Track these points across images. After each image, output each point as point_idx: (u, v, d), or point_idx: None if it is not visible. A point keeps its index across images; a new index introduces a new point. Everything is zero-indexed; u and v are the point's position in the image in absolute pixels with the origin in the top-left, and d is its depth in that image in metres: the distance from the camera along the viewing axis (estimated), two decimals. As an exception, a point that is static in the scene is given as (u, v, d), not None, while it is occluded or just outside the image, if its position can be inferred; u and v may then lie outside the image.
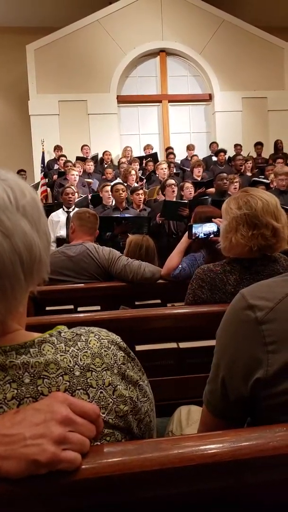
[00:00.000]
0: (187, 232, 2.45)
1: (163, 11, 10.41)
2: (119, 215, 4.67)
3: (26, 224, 0.63)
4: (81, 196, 6.04)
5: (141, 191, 5.48)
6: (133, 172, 6.67)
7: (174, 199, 5.15)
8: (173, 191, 5.14)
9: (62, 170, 7.92)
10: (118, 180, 6.79)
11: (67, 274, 2.53)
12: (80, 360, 0.68)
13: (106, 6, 10.36)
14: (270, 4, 11.14)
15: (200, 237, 2.42)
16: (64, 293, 2.38)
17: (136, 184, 6.56)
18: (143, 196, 5.50)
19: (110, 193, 5.52)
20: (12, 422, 0.57)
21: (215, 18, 10.58)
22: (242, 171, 7.39)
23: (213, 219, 2.38)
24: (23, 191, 0.65)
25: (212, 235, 2.40)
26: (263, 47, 10.81)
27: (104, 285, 2.49)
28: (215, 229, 2.38)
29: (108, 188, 5.62)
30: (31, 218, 0.64)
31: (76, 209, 4.81)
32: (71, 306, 2.30)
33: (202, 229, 2.41)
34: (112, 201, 5.52)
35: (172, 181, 5.23)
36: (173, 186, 5.14)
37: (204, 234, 2.41)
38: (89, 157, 8.88)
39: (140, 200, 5.41)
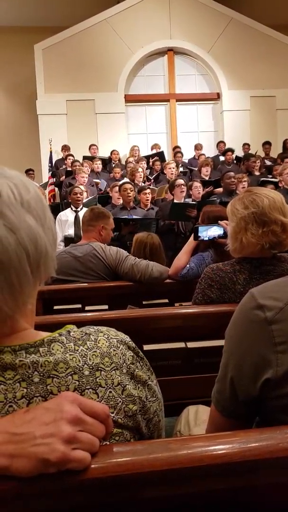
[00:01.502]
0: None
1: (171, 10, 10.39)
2: (127, 217, 4.67)
3: (31, 219, 0.64)
4: (90, 196, 6.05)
5: (148, 190, 5.48)
6: (140, 169, 6.66)
7: (183, 199, 5.14)
8: (182, 191, 5.11)
9: (70, 169, 7.94)
10: (126, 179, 6.79)
11: (74, 274, 2.52)
12: (89, 359, 0.68)
13: (114, 5, 10.36)
14: (279, 2, 11.07)
15: (204, 240, 2.43)
16: (72, 292, 2.38)
17: (143, 184, 6.56)
18: (150, 195, 5.50)
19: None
20: (22, 421, 0.57)
21: (223, 16, 10.54)
22: (253, 171, 7.33)
23: (219, 222, 2.39)
24: (27, 187, 0.66)
25: (216, 238, 2.42)
26: (272, 45, 10.73)
27: (112, 285, 2.49)
28: (221, 233, 2.39)
29: (117, 188, 5.62)
30: (36, 213, 0.65)
31: (84, 209, 4.82)
32: (79, 305, 2.31)
33: (207, 233, 2.42)
34: (121, 201, 5.52)
35: (181, 181, 5.20)
36: (182, 186, 5.12)
37: (209, 238, 2.42)
38: (97, 157, 8.88)
39: (147, 200, 5.40)
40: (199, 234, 2.41)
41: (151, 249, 2.68)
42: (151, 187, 6.27)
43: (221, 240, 2.39)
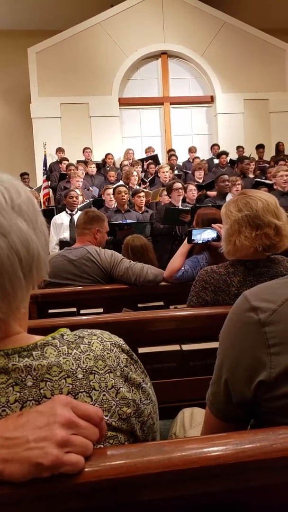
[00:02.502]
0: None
1: (165, 14, 10.43)
2: (121, 222, 4.67)
3: (23, 222, 0.64)
4: (86, 200, 6.05)
5: (142, 194, 5.48)
6: (135, 173, 6.66)
7: (180, 202, 5.14)
8: (179, 195, 5.10)
9: (64, 172, 7.93)
10: (121, 182, 6.79)
11: (68, 277, 2.52)
12: (83, 362, 0.68)
13: (108, 8, 10.38)
14: (272, 6, 11.16)
15: (198, 243, 2.43)
16: (67, 295, 2.38)
17: (137, 187, 6.57)
18: (144, 198, 5.50)
19: (111, 196, 5.50)
20: (15, 425, 0.57)
21: (216, 20, 10.60)
22: (247, 173, 7.35)
23: (213, 225, 2.40)
24: (18, 191, 0.66)
25: (210, 242, 2.43)
26: (265, 49, 10.81)
27: (107, 288, 2.49)
28: (214, 236, 2.40)
29: (110, 191, 5.61)
30: (27, 216, 0.65)
31: (79, 212, 4.81)
32: (74, 309, 2.30)
33: (201, 236, 2.43)
34: (114, 204, 5.51)
35: (179, 185, 5.18)
36: (180, 190, 5.11)
37: (203, 241, 2.43)
38: (90, 160, 8.88)
39: (142, 202, 5.41)
40: (193, 237, 2.42)
41: (132, 251, 2.70)
42: (145, 190, 6.28)
43: (214, 243, 2.41)
